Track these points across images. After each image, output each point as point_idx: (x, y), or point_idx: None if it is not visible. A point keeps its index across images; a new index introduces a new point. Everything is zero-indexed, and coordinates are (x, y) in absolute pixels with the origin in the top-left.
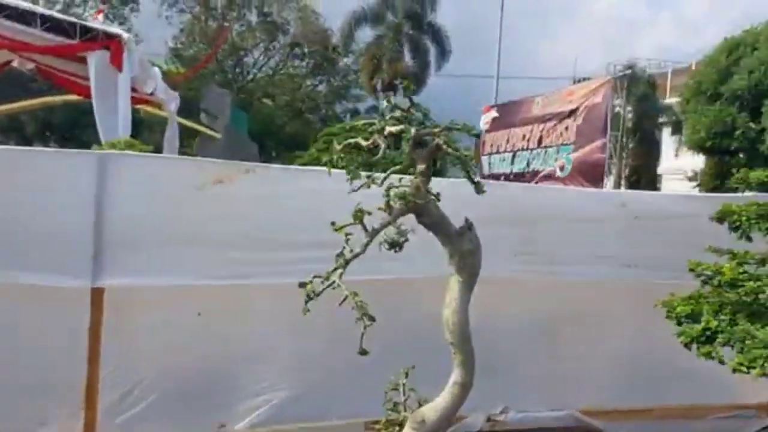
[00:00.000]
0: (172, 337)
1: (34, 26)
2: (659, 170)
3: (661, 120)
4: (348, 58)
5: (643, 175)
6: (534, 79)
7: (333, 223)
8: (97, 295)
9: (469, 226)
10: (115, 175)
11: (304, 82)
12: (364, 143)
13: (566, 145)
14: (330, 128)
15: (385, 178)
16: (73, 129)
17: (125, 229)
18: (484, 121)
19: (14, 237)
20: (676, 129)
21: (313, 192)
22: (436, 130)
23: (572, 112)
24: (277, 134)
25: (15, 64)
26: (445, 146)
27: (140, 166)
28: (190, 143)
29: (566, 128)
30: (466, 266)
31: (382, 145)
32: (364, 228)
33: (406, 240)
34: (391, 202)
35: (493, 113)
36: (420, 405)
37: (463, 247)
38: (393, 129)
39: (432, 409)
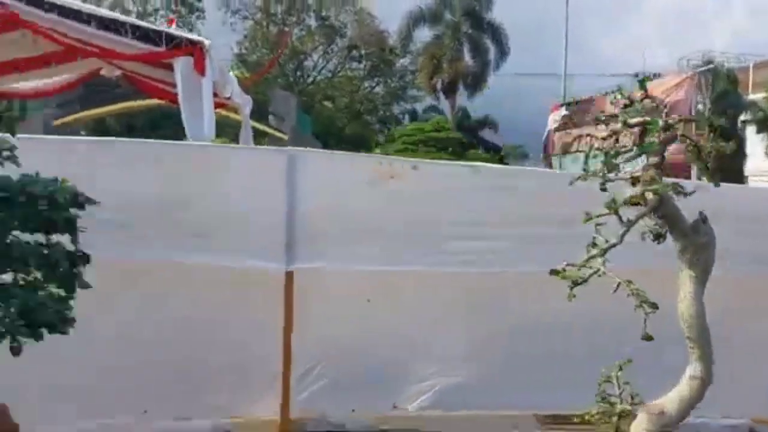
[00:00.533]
0: (351, 320)
1: (124, 35)
2: (746, 171)
3: (744, 117)
4: (405, 58)
5: (728, 175)
6: (600, 77)
7: (587, 213)
8: (289, 278)
9: (703, 219)
10: (303, 170)
11: (362, 83)
12: (601, 135)
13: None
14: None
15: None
16: (154, 130)
17: (312, 220)
18: (552, 120)
19: (220, 226)
20: (763, 126)
21: (471, 187)
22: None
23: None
24: (338, 135)
25: (103, 72)
26: (685, 138)
27: (323, 163)
28: (260, 144)
29: None
30: (700, 261)
31: (624, 137)
32: (620, 219)
33: (668, 231)
34: (646, 194)
35: (563, 111)
36: (632, 398)
37: (697, 240)
38: (635, 120)
39: (671, 401)
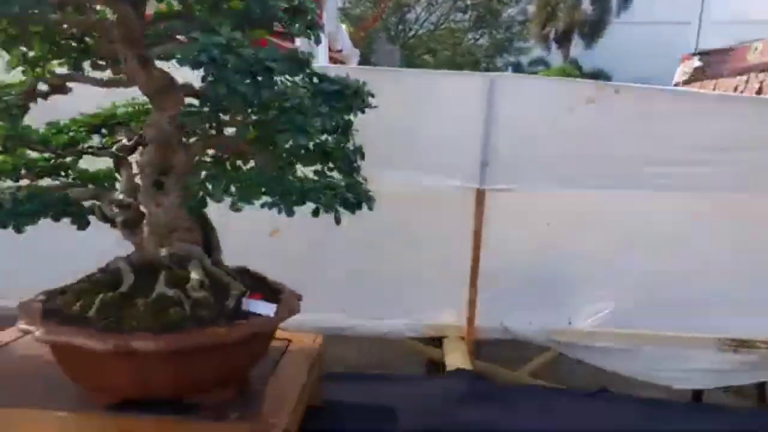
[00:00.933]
0: (535, 240)
1: None
2: None
3: None
4: (513, 8)
5: None
6: (736, 24)
7: None
8: (480, 198)
9: None
10: (502, 93)
11: (465, 36)
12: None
13: None
14: None
15: None
16: None
17: (508, 142)
18: (681, 72)
19: (418, 147)
20: None
21: (673, 112)
22: None
23: None
24: None
25: None
26: None
27: (523, 87)
28: None
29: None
30: None
31: None
32: None
33: None
34: None
35: (695, 62)
36: None
37: None
38: None
39: None
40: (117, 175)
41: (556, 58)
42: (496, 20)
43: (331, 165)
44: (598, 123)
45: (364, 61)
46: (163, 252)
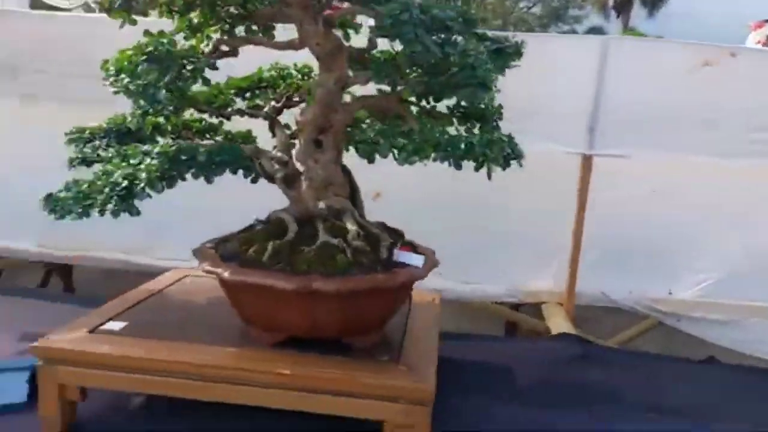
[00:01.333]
0: (637, 207)
1: None
2: None
3: None
4: None
5: None
6: None
7: None
8: (587, 162)
9: None
10: (615, 56)
11: (517, 4)
12: None
13: None
14: None
15: None
16: None
17: (619, 107)
18: (754, 41)
19: (527, 110)
20: None
21: None
22: None
23: None
24: None
25: None
26: None
27: (637, 49)
28: None
29: None
30: None
31: None
32: None
33: None
34: None
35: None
36: None
37: None
38: None
39: None
40: (271, 133)
41: (614, 26)
42: None
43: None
44: (713, 87)
45: None
46: (321, 205)
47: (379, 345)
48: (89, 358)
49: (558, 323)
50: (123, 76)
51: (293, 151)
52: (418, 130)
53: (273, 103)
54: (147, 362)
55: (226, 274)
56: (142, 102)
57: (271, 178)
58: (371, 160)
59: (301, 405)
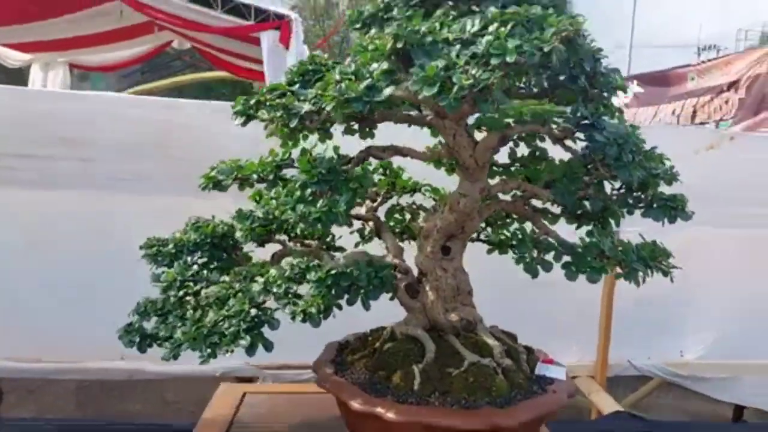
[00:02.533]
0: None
1: (215, 8)
2: None
3: None
4: None
5: None
6: (662, 48)
7: None
8: None
9: None
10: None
11: None
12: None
13: (725, 120)
14: None
15: None
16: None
17: None
18: (621, 96)
19: None
20: None
21: None
22: None
23: (732, 85)
24: None
25: (174, 44)
26: None
27: (658, 133)
28: None
29: (726, 102)
30: None
31: None
32: None
33: None
34: None
35: (635, 88)
36: None
37: None
38: None
39: None
40: (379, 238)
41: None
42: None
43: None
44: (715, 166)
45: None
46: (452, 316)
47: None
48: None
49: (603, 399)
50: (289, 199)
51: (413, 257)
52: (594, 243)
53: (369, 202)
54: None
55: (390, 415)
56: (319, 225)
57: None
58: (536, 275)
59: None
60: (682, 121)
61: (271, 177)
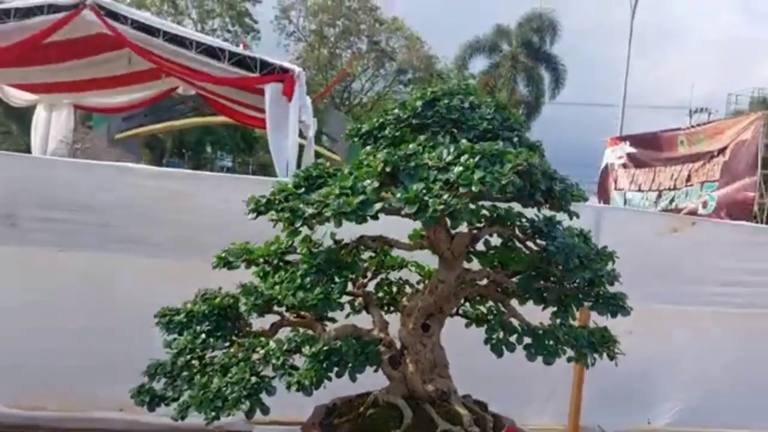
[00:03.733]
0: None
1: (222, 60)
2: None
3: None
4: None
5: None
6: (654, 109)
7: None
8: None
9: None
10: (607, 223)
11: None
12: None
13: (711, 182)
14: None
15: None
16: (199, 146)
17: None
18: (613, 154)
19: None
20: None
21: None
22: None
23: (721, 151)
24: None
25: (179, 90)
26: None
27: (623, 217)
28: None
29: (713, 166)
30: None
31: None
32: None
33: None
34: None
35: (628, 148)
36: None
37: None
38: None
39: None
40: (367, 312)
41: None
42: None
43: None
44: (681, 247)
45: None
46: (429, 387)
47: None
48: None
49: None
50: (291, 285)
51: (395, 331)
52: (551, 329)
53: (360, 278)
54: None
55: None
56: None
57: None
58: (500, 355)
59: None
60: (679, 184)
61: (275, 262)
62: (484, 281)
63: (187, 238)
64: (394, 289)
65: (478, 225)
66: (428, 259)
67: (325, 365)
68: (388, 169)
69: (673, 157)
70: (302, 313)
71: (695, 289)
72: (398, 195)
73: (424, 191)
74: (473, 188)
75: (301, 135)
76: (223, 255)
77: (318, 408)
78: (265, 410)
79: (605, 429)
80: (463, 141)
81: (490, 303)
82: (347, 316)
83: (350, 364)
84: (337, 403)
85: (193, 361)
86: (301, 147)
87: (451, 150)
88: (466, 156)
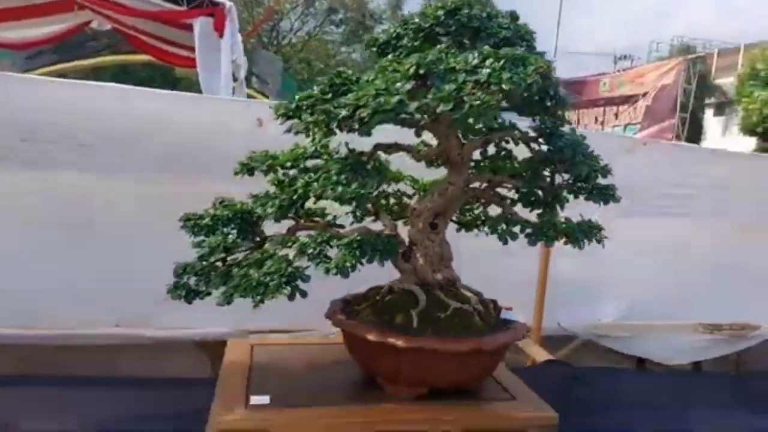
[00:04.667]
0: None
1: None
2: None
3: (707, 101)
4: (386, 24)
5: None
6: (585, 55)
7: None
8: None
9: None
10: None
11: (338, 48)
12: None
13: (633, 124)
14: None
15: None
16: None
17: None
18: None
19: None
20: (719, 110)
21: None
22: None
23: (644, 95)
24: None
25: (93, 25)
26: None
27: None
28: None
29: (634, 109)
30: None
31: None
32: None
33: None
34: None
35: None
36: None
37: None
38: None
39: None
40: (375, 218)
41: None
42: (369, 35)
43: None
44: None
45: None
46: (438, 276)
47: (488, 388)
48: None
49: (537, 352)
50: (327, 182)
51: (406, 230)
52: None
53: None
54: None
55: (401, 343)
56: (353, 203)
57: None
58: (506, 242)
59: None
60: (606, 128)
61: (301, 165)
62: (483, 186)
63: None
64: (392, 200)
65: (491, 129)
66: (419, 172)
67: (359, 252)
68: (421, 72)
69: (595, 99)
70: (315, 218)
71: (641, 200)
72: (430, 95)
73: (457, 90)
74: (503, 86)
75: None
76: (246, 162)
77: (334, 301)
78: (304, 294)
79: (564, 325)
80: (486, 47)
81: (479, 210)
82: (351, 224)
83: (379, 252)
84: (349, 299)
85: (217, 263)
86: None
87: (476, 55)
88: (491, 60)
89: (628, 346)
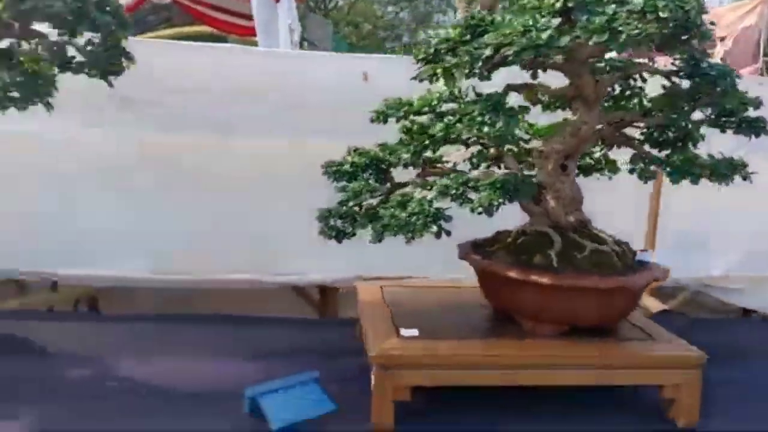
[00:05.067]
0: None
1: None
2: None
3: None
4: None
5: None
6: None
7: None
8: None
9: None
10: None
11: (385, 9)
12: None
13: None
14: None
15: None
16: None
17: None
18: None
19: None
20: None
21: None
22: None
23: (722, 39)
24: None
25: None
26: None
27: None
28: None
29: (711, 55)
30: None
31: None
32: None
33: None
34: None
35: None
36: None
37: None
38: None
39: None
40: (497, 163)
41: None
42: None
43: None
44: None
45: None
46: (570, 218)
47: (624, 329)
48: (429, 360)
49: (651, 302)
50: (472, 122)
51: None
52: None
53: None
54: (474, 358)
55: (545, 280)
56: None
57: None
58: (646, 181)
59: (602, 380)
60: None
61: (438, 110)
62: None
63: None
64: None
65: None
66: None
67: (501, 192)
68: (570, 5)
69: None
70: (438, 165)
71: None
72: (581, 27)
73: (609, 21)
74: (661, 14)
75: None
76: (382, 110)
77: (462, 244)
78: (448, 233)
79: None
80: None
81: (598, 155)
82: (469, 170)
83: (519, 191)
84: (479, 241)
85: (355, 207)
86: None
87: None
88: None
89: (740, 298)
